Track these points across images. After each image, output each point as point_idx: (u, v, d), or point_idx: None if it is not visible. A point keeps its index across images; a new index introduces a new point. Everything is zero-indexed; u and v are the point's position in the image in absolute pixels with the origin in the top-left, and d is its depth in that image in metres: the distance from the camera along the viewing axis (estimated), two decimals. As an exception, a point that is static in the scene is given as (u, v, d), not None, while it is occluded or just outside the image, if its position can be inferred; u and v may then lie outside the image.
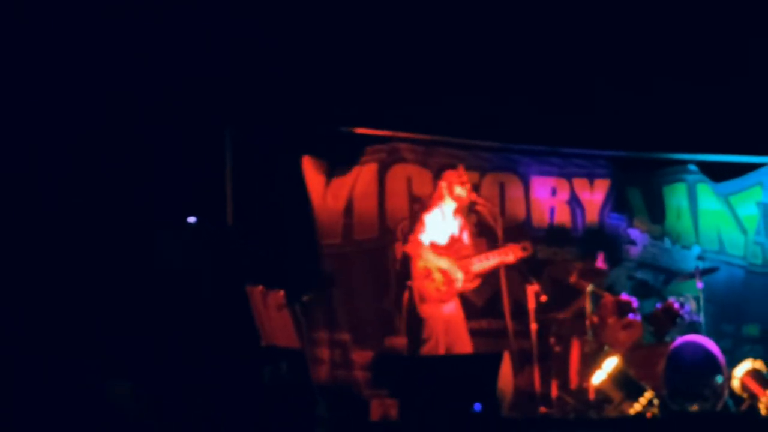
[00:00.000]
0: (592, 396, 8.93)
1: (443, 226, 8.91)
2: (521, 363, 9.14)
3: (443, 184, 8.99)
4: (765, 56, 11.06)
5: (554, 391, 9.32)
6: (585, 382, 9.08)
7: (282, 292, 8.09)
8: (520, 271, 9.24)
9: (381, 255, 9.69)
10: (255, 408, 7.16)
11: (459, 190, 8.94)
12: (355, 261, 9.79)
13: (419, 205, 9.38)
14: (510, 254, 8.92)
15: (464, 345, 8.83)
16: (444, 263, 8.74)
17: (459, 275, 8.75)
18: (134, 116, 8.91)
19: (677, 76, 11.01)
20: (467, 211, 9.28)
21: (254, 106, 9.49)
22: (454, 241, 8.93)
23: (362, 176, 9.96)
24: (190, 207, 8.52)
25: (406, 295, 8.80)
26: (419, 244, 8.75)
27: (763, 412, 8.84)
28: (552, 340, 9.54)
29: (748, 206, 11.65)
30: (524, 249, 8.98)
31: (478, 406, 7.52)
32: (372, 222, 9.93)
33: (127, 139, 8.85)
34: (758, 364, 9.24)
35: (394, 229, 9.48)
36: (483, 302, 9.55)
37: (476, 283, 8.95)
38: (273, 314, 7.94)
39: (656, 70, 10.96)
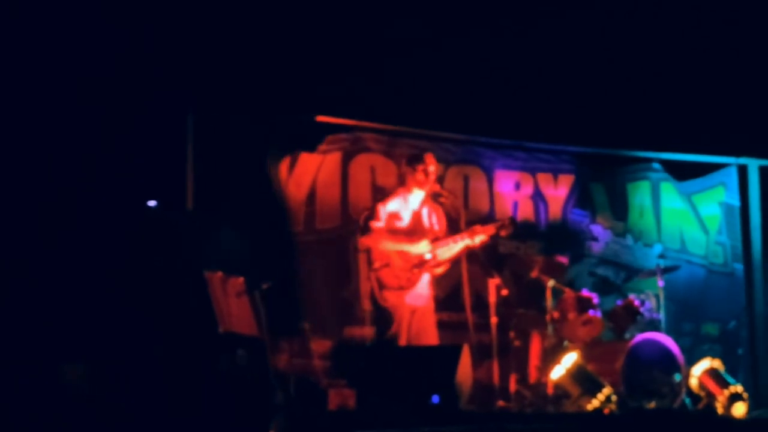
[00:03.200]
0: (550, 391, 8.96)
1: (407, 211, 8.90)
2: (480, 356, 9.12)
3: (409, 171, 8.97)
4: (731, 57, 11.15)
5: (513, 385, 9.37)
6: (544, 376, 9.11)
7: (242, 279, 8.07)
8: (482, 264, 9.25)
9: (343, 244, 9.69)
10: (211, 395, 7.14)
11: (424, 179, 8.93)
12: (317, 250, 9.76)
13: (382, 195, 9.34)
14: (483, 234, 8.88)
15: (431, 337, 8.84)
16: (404, 246, 8.73)
17: (425, 248, 8.75)
18: (96, 100, 8.85)
19: (644, 73, 11.10)
20: (434, 200, 9.28)
21: (218, 92, 9.44)
22: (420, 225, 8.92)
23: (326, 165, 9.94)
24: (150, 191, 8.48)
25: (367, 284, 8.77)
26: (377, 231, 8.72)
27: (719, 411, 8.92)
28: (512, 334, 9.57)
29: (710, 206, 11.76)
30: (502, 227, 8.96)
31: (435, 398, 7.54)
32: (334, 211, 9.91)
33: (87, 122, 8.79)
34: (716, 364, 9.34)
35: (356, 219, 9.47)
36: (444, 294, 9.55)
37: (445, 268, 8.95)
38: (232, 301, 7.93)
39: (623, 68, 11.03)
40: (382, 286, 8.70)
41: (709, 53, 11.15)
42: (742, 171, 11.83)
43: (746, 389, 9.10)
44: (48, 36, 8.76)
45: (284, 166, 9.77)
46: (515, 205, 10.78)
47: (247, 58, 9.61)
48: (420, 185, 8.94)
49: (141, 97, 8.99)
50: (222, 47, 9.49)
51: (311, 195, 9.86)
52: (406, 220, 8.89)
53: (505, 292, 9.12)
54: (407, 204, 8.94)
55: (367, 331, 9.29)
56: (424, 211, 9.02)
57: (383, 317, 8.75)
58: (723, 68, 11.21)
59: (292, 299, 9.45)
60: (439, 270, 8.98)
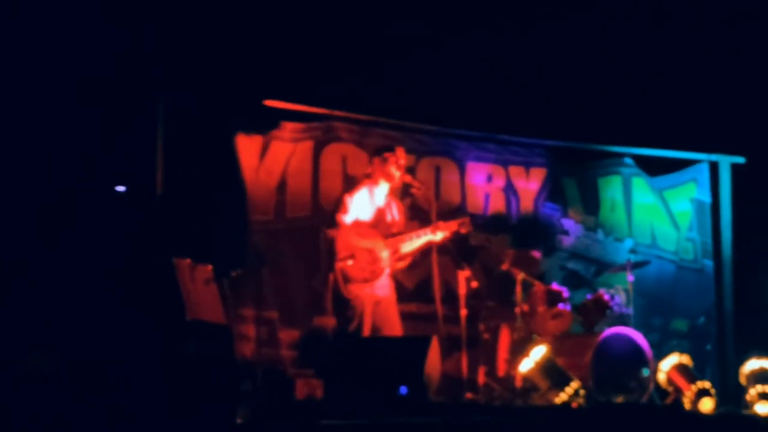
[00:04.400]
0: (519, 384, 9.00)
1: (371, 205, 8.86)
2: (449, 348, 9.17)
3: (378, 162, 8.94)
4: (704, 55, 11.21)
5: (481, 378, 9.41)
6: (512, 369, 9.14)
7: (210, 267, 8.05)
8: (452, 256, 9.27)
9: (312, 234, 9.67)
10: (178, 382, 7.13)
11: (393, 171, 8.90)
12: (286, 239, 9.74)
13: (353, 185, 9.33)
14: (445, 230, 8.86)
15: (394, 328, 8.82)
16: (367, 243, 8.70)
17: (384, 254, 8.72)
18: (64, 84, 8.80)
19: (618, 69, 11.14)
20: (402, 193, 9.27)
21: (189, 77, 9.40)
22: (382, 219, 8.89)
23: (297, 154, 9.92)
24: (119, 176, 8.45)
25: (331, 275, 8.76)
26: (342, 224, 8.70)
27: (687, 406, 8.96)
28: (481, 326, 9.60)
29: (681, 202, 11.84)
30: (462, 225, 8.94)
31: (403, 390, 7.54)
32: (305, 200, 9.91)
33: (56, 106, 8.74)
34: (685, 359, 9.37)
35: (326, 209, 9.47)
36: (413, 285, 9.58)
37: (406, 262, 8.92)
38: (200, 288, 7.91)
39: (597, 63, 11.07)
40: (346, 278, 8.66)
41: (682, 51, 11.22)
42: (714, 167, 11.93)
43: (714, 385, 9.13)
44: (15, 20, 8.71)
45: (255, 153, 9.74)
46: (487, 197, 10.82)
47: (221, 43, 9.58)
48: (389, 178, 8.91)
49: (110, 82, 8.95)
50: (195, 32, 9.45)
51: (282, 183, 9.84)
52: (371, 214, 8.86)
53: (475, 284, 9.14)
54: (373, 197, 8.89)
55: (334, 322, 9.27)
56: (389, 205, 8.99)
57: (348, 308, 8.71)
58: (696, 65, 11.27)
59: (260, 288, 9.44)
60: (402, 264, 8.95)
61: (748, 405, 9.06)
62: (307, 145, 10.00)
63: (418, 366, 7.66)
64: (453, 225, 8.91)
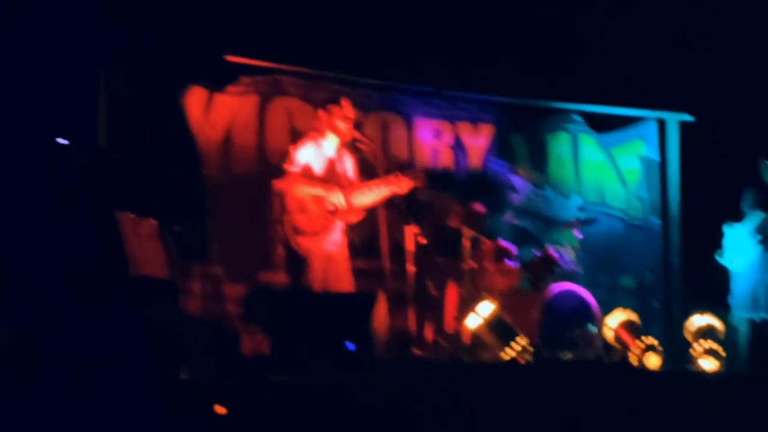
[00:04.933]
0: (466, 340, 8.98)
1: (320, 157, 8.77)
2: (397, 304, 9.14)
3: (325, 115, 8.85)
4: (652, 12, 11.21)
5: (429, 334, 9.40)
6: (460, 326, 9.12)
7: (154, 221, 7.94)
8: (400, 212, 9.22)
9: (259, 188, 9.50)
10: (121, 338, 7.03)
11: (341, 125, 8.81)
12: (232, 193, 9.68)
13: (299, 138, 9.24)
14: (399, 184, 8.82)
15: (345, 284, 8.77)
16: (319, 191, 8.63)
17: (340, 199, 8.65)
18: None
19: (566, 25, 11.11)
20: (349, 147, 9.19)
21: (133, 30, 9.25)
22: (334, 172, 8.81)
23: (242, 108, 9.85)
24: (61, 128, 8.29)
25: (280, 229, 8.69)
26: (292, 175, 8.61)
27: (634, 363, 9.01)
28: (429, 282, 9.59)
29: (629, 159, 11.91)
30: (415, 178, 8.88)
31: (350, 345, 7.50)
32: (251, 154, 9.84)
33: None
34: (632, 316, 9.41)
35: (272, 163, 9.39)
36: (361, 241, 9.50)
37: (359, 216, 8.85)
38: (143, 243, 7.79)
39: (546, 18, 11.02)
40: (296, 231, 8.59)
41: (630, 7, 11.20)
42: (662, 125, 11.98)
43: (661, 342, 9.19)
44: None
45: (199, 107, 9.65)
46: (434, 153, 10.81)
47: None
48: (336, 131, 8.83)
49: (53, 31, 8.77)
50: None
51: (227, 138, 9.76)
52: (320, 166, 8.76)
53: (422, 240, 9.08)
54: (322, 150, 8.79)
55: (282, 277, 9.20)
56: (339, 158, 8.91)
57: (297, 263, 8.65)
58: (644, 23, 11.27)
59: (205, 243, 9.36)
60: (354, 217, 8.91)
61: (693, 361, 9.12)
62: (252, 100, 9.92)
63: (364, 322, 7.62)
64: (407, 178, 8.87)
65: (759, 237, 9.85)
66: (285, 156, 8.77)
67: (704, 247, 10.54)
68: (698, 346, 9.15)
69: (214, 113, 9.69)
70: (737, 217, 10.16)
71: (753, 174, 10.20)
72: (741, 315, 9.93)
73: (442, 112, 10.93)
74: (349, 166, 8.95)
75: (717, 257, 10.15)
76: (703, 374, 8.83)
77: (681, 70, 11.34)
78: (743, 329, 9.83)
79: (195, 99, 9.64)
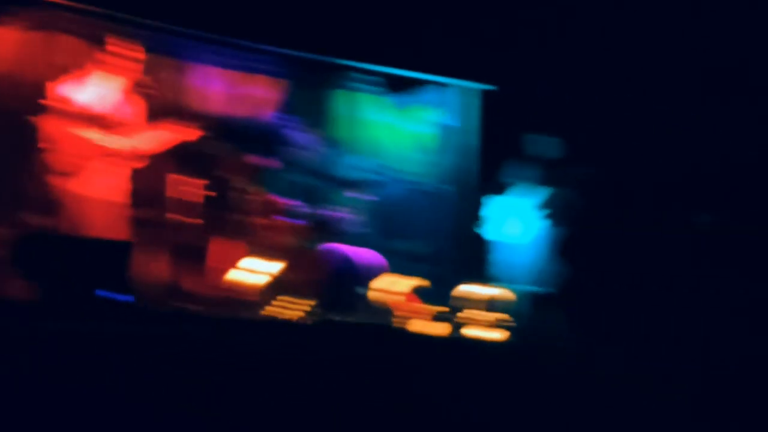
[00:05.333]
0: (242, 296, 8.82)
1: (101, 97, 8.35)
2: (173, 256, 8.91)
3: (108, 55, 8.43)
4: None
5: (206, 289, 9.12)
6: (238, 281, 8.93)
7: None
8: (182, 162, 8.93)
9: (23, 126, 8.95)
10: None
11: (125, 66, 8.44)
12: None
13: (70, 76, 8.73)
14: (182, 132, 8.55)
15: (116, 230, 8.36)
16: (95, 133, 8.18)
17: (117, 142, 8.25)
18: None
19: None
20: (133, 90, 8.76)
21: None
22: (116, 113, 8.41)
23: (5, 40, 9.28)
24: None
25: (47, 170, 8.21)
26: (65, 114, 8.14)
27: (420, 328, 8.95)
28: (207, 236, 9.32)
29: (423, 123, 11.85)
30: (195, 128, 8.65)
31: (115, 295, 7.19)
32: (15, 90, 9.22)
33: None
34: (416, 281, 9.41)
35: (40, 100, 8.82)
36: (139, 190, 9.06)
37: (140, 162, 8.50)
38: None
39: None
40: (57, 172, 8.15)
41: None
42: (459, 91, 11.93)
43: (450, 309, 9.18)
44: None
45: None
46: (220, 103, 10.52)
47: None
48: (120, 72, 8.42)
49: None
50: None
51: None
52: (99, 106, 8.33)
53: (203, 192, 8.85)
54: (101, 90, 8.38)
55: (46, 220, 8.72)
56: (122, 100, 8.50)
57: (62, 206, 8.21)
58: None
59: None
60: (135, 163, 8.50)
61: (477, 329, 9.14)
62: (18, 32, 9.35)
63: (124, 270, 7.41)
64: (188, 126, 8.63)
65: (546, 211, 9.93)
66: (52, 90, 8.26)
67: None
68: (481, 316, 9.17)
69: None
70: (518, 189, 10.20)
71: (539, 147, 10.28)
72: (521, 287, 9.98)
73: (230, 62, 10.63)
74: (132, 109, 8.59)
75: (497, 229, 10.19)
76: (488, 342, 8.85)
77: (483, 40, 11.33)
78: (523, 301, 9.89)
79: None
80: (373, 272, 9.30)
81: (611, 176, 10.47)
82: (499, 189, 10.26)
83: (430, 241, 11.54)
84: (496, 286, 9.59)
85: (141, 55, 9.28)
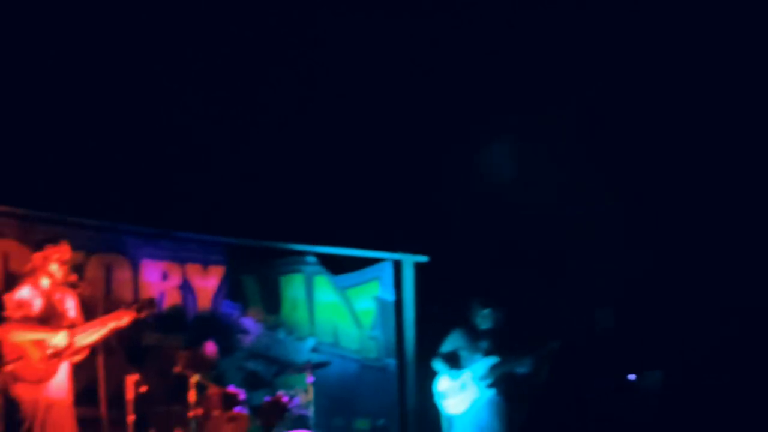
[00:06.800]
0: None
1: (38, 300, 8.50)
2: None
3: (39, 257, 8.61)
4: (390, 157, 11.54)
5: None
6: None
7: None
8: (121, 358, 8.99)
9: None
10: None
11: (55, 268, 8.59)
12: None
13: (16, 282, 8.91)
14: (123, 318, 8.57)
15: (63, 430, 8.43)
16: (38, 334, 8.32)
17: (61, 339, 8.36)
18: None
19: (300, 167, 11.32)
20: (68, 288, 8.91)
21: None
22: (54, 314, 8.53)
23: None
24: None
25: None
26: (8, 322, 8.31)
27: None
28: (152, 431, 9.30)
29: (365, 300, 12.08)
30: (140, 309, 8.64)
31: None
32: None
33: None
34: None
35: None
36: (81, 387, 9.14)
37: (83, 355, 8.57)
38: None
39: (279, 160, 11.20)
40: (16, 379, 8.25)
41: (367, 152, 11.51)
42: (397, 266, 12.21)
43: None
44: None
45: None
46: (161, 295, 10.62)
47: None
48: (49, 274, 8.60)
49: None
50: None
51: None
52: (38, 307, 8.48)
53: (144, 388, 8.83)
54: (39, 291, 8.54)
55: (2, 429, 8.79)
56: (58, 297, 8.65)
57: (16, 413, 8.23)
58: (381, 167, 11.58)
59: None
60: (77, 358, 8.60)
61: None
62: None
63: None
64: (131, 311, 8.62)
65: (487, 380, 9.93)
66: (2, 300, 8.45)
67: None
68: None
69: None
70: (452, 360, 10.23)
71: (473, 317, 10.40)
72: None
73: (169, 254, 10.79)
74: (69, 305, 8.72)
75: (440, 401, 10.19)
76: None
77: (415, 213, 11.66)
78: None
79: None
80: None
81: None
82: (441, 359, 10.29)
83: (379, 417, 11.63)
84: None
85: (81, 253, 9.56)
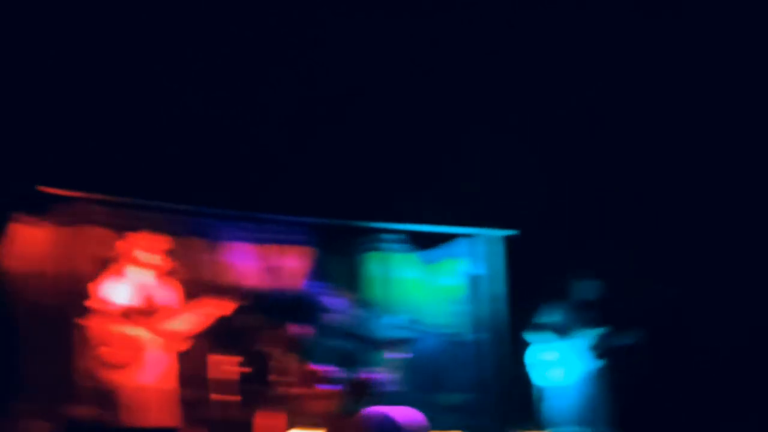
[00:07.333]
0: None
1: (130, 289, 8.78)
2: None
3: (131, 246, 8.88)
4: (472, 131, 11.57)
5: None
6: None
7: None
8: (214, 340, 9.21)
9: (63, 321, 9.42)
10: None
11: (148, 256, 8.85)
12: (35, 326, 9.49)
13: (106, 270, 9.20)
14: (215, 308, 8.90)
15: (164, 415, 8.74)
16: (125, 328, 8.58)
17: (149, 337, 8.62)
18: None
19: (383, 144, 11.37)
20: (159, 276, 9.17)
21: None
22: (146, 301, 8.83)
23: (46, 237, 9.75)
24: None
25: (91, 362, 8.59)
26: (102, 311, 8.58)
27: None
28: (245, 410, 9.46)
29: (452, 275, 12.11)
30: (233, 299, 9.00)
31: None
32: (55, 285, 9.71)
33: None
34: (453, 435, 9.52)
35: (77, 294, 9.26)
36: (180, 370, 9.40)
37: (177, 344, 8.90)
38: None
39: (362, 138, 11.28)
40: (106, 365, 8.53)
41: (453, 127, 11.54)
42: (484, 240, 12.25)
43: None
44: None
45: (3, 237, 9.49)
46: (247, 277, 10.87)
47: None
48: (144, 261, 8.85)
49: None
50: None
51: (30, 268, 9.63)
52: (129, 297, 8.79)
53: (234, 368, 9.07)
54: (130, 279, 8.82)
55: (89, 411, 9.08)
56: (150, 287, 8.92)
57: (107, 396, 8.57)
58: (465, 141, 11.62)
59: (6, 378, 9.16)
60: (172, 346, 8.87)
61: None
62: (57, 228, 9.84)
63: None
64: (223, 301, 8.95)
65: (595, 352, 10.00)
66: (92, 289, 8.71)
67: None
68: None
69: (19, 242, 9.57)
70: (561, 332, 10.31)
71: (572, 289, 10.46)
72: (568, 431, 10.05)
73: (253, 235, 11.02)
74: (161, 294, 8.99)
75: (541, 374, 10.26)
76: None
77: (506, 187, 11.69)
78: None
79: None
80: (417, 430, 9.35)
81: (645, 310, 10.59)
82: (541, 331, 10.35)
83: (469, 392, 11.75)
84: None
85: (170, 240, 9.78)
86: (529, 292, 11.33)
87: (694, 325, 11.41)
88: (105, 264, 9.49)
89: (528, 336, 10.30)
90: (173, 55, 10.35)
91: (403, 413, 9.41)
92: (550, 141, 11.83)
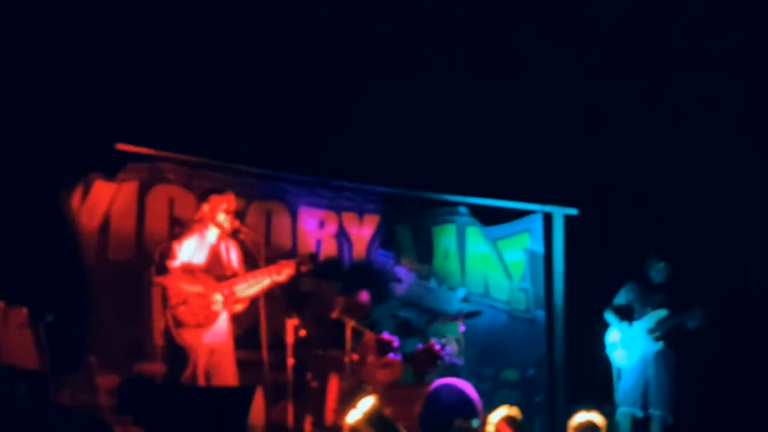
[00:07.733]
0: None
1: (202, 249, 8.88)
2: (276, 397, 9.13)
3: (206, 207, 8.97)
4: (541, 109, 11.57)
5: (308, 427, 9.40)
6: (340, 419, 9.11)
7: (25, 310, 7.91)
8: (281, 303, 9.28)
9: (136, 278, 9.61)
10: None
11: (222, 217, 8.94)
12: (108, 282, 9.61)
13: (180, 229, 9.32)
14: (283, 272, 8.95)
15: (229, 376, 8.84)
16: (198, 288, 8.71)
17: (218, 297, 8.74)
18: None
19: (454, 117, 11.41)
20: (232, 237, 9.26)
21: (12, 115, 9.26)
22: (217, 263, 8.92)
23: (121, 195, 9.83)
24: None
25: (162, 320, 8.72)
26: (173, 270, 8.69)
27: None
28: (309, 375, 9.61)
29: (514, 252, 12.17)
30: (300, 264, 9.02)
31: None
32: (129, 243, 9.82)
33: None
34: (513, 411, 9.51)
35: (151, 252, 9.41)
36: (241, 332, 9.53)
37: (244, 306, 8.97)
38: (13, 333, 7.77)
39: (432, 110, 11.31)
40: (178, 323, 8.66)
41: (519, 103, 11.54)
42: (547, 218, 12.30)
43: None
44: None
45: (77, 193, 9.61)
46: (318, 243, 10.93)
47: (45, 82, 9.46)
48: (217, 222, 8.95)
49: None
50: (15, 67, 9.33)
51: (105, 225, 9.72)
52: (203, 257, 8.87)
53: (303, 332, 9.13)
54: (204, 240, 8.91)
55: (159, 368, 9.24)
56: (222, 247, 9.02)
57: (178, 355, 8.69)
58: (532, 117, 11.62)
59: (78, 332, 9.30)
60: (239, 307, 8.99)
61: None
62: (132, 186, 9.92)
63: (241, 416, 7.63)
64: (292, 264, 8.98)
65: (655, 334, 10.02)
66: (167, 248, 8.82)
67: (588, 341, 10.75)
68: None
69: (92, 199, 9.66)
70: (625, 312, 10.32)
71: (636, 269, 10.46)
72: (625, 411, 10.09)
73: (327, 202, 11.08)
74: (233, 256, 9.07)
75: (607, 352, 10.30)
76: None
77: (567, 165, 11.69)
78: (626, 426, 10.01)
79: (71, 184, 9.63)
80: (472, 403, 9.34)
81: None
82: (612, 311, 10.37)
83: (525, 367, 11.83)
84: (596, 411, 9.62)
85: (243, 201, 9.88)
86: (599, 272, 11.35)
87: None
88: (180, 224, 9.63)
89: (604, 315, 10.32)
90: (261, 24, 10.41)
91: (465, 386, 9.47)
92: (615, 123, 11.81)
